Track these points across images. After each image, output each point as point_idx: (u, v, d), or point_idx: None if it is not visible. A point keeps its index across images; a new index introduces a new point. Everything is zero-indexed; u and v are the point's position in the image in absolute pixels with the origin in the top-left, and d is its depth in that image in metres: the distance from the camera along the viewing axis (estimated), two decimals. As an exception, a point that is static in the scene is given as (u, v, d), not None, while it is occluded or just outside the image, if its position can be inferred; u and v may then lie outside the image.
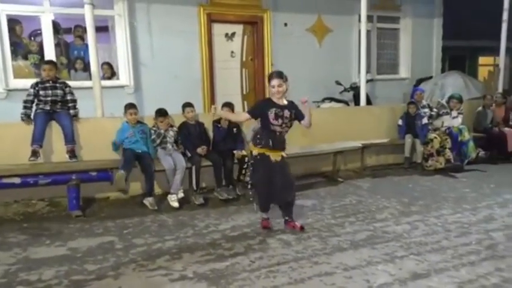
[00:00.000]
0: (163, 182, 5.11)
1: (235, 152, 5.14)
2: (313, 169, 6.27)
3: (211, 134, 5.37)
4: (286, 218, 4.04)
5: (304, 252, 3.45)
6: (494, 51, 14.80)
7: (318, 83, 8.26)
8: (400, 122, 6.70)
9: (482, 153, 6.87)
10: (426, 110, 6.76)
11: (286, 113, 3.83)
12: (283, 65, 7.93)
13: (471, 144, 6.65)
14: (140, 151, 4.84)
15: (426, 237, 3.74)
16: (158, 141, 4.96)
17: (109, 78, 7.01)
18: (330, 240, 3.70)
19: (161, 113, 5.03)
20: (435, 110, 6.82)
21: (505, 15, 8.19)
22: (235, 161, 5.16)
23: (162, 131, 4.98)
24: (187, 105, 5.19)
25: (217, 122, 5.23)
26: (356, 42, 8.79)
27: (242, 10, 7.72)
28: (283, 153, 3.96)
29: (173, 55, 7.14)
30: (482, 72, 15.28)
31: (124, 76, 6.98)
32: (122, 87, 6.93)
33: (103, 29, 6.97)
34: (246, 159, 4.99)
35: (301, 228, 3.95)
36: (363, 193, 5.30)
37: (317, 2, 8.22)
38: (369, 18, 8.45)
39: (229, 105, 5.22)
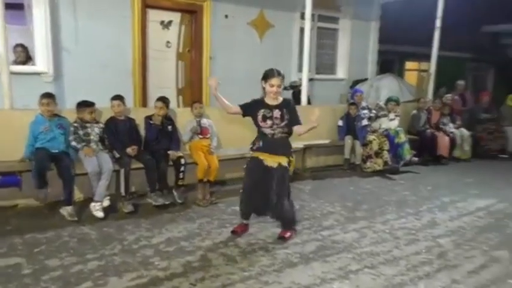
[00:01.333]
0: (85, 187, 4.44)
1: (169, 152, 4.62)
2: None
3: (142, 131, 4.79)
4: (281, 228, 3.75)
5: (251, 269, 3.07)
6: (419, 57, 15.64)
7: (258, 79, 7.86)
8: (340, 122, 6.60)
9: (414, 158, 6.97)
10: (366, 111, 6.72)
11: (277, 113, 3.46)
12: (222, 58, 7.54)
13: (407, 146, 6.73)
14: (57, 151, 4.13)
15: (377, 246, 3.56)
16: (74, 143, 4.25)
17: (23, 63, 6.07)
18: (278, 254, 3.36)
19: (87, 103, 4.36)
20: (373, 111, 6.81)
21: (438, 23, 8.47)
22: (170, 162, 4.63)
23: (88, 126, 4.32)
24: (116, 97, 4.56)
25: (149, 118, 4.67)
26: (297, 40, 8.64)
27: (180, -4, 7.14)
28: (283, 160, 3.52)
29: (101, 41, 6.35)
30: (409, 77, 16.04)
31: (42, 62, 6.08)
32: (38, 74, 6.02)
33: (17, 6, 6.01)
34: (182, 160, 4.58)
35: (281, 237, 3.65)
36: (306, 197, 5.06)
37: (259, -5, 7.89)
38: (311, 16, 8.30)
39: (164, 101, 4.68)
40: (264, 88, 3.54)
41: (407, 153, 6.67)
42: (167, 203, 4.48)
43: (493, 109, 8.55)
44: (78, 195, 4.50)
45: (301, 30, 8.68)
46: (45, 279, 2.87)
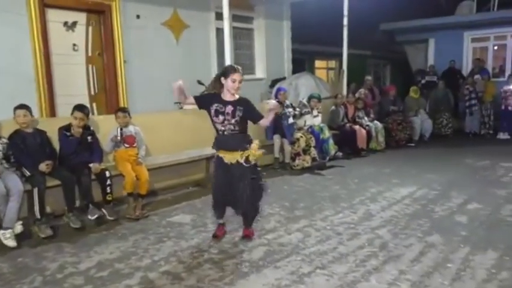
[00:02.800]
0: (-10, 213, 3.78)
1: (91, 165, 4.15)
2: (183, 177, 5.62)
3: (55, 144, 4.25)
4: (243, 225, 3.70)
5: (201, 286, 2.84)
6: (327, 55, 16.42)
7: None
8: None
9: (338, 153, 7.21)
10: (290, 109, 6.78)
11: (229, 108, 3.36)
12: (138, 62, 7.08)
13: (331, 141, 6.95)
14: (-50, 174, 3.46)
15: (323, 244, 3.54)
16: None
17: None
18: (226, 265, 3.16)
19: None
20: (298, 109, 6.90)
21: (345, 21, 8.89)
22: (93, 176, 4.17)
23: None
24: (21, 107, 3.98)
25: (65, 130, 4.14)
26: (214, 40, 8.47)
27: (84, -5, 6.53)
28: (239, 156, 3.42)
29: (-8, 45, 5.56)
30: (319, 75, 16.78)
31: None
32: None
33: None
34: (107, 173, 4.16)
35: (245, 237, 3.62)
36: (242, 200, 4.91)
37: (172, -6, 7.56)
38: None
39: (82, 110, 4.19)
40: (222, 85, 3.43)
41: (332, 148, 6.89)
42: (94, 218, 4.01)
43: (398, 101, 9.24)
44: (-20, 224, 3.82)
45: (218, 30, 8.58)
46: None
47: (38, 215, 3.75)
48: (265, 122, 3.54)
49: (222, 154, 3.49)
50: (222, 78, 3.44)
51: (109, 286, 2.86)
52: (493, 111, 9.68)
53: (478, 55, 12.16)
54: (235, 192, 3.48)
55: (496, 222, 4.00)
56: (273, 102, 3.51)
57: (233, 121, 3.40)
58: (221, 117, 3.40)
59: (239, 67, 3.47)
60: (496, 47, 12.27)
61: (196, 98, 3.56)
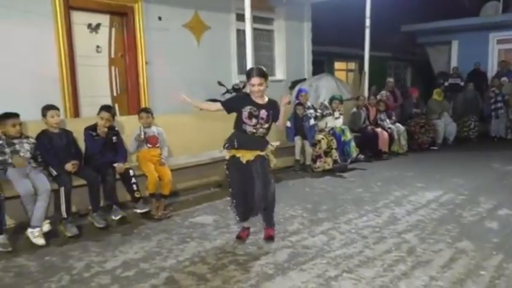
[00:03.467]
0: (17, 211, 3.85)
1: (115, 165, 4.18)
2: (204, 178, 5.62)
3: (81, 144, 4.29)
4: (265, 225, 3.67)
5: (227, 287, 2.81)
6: (346, 57, 16.28)
7: (198, 83, 7.61)
8: (289, 123, 6.52)
9: (360, 156, 7.12)
10: (312, 111, 6.72)
11: (263, 113, 3.39)
12: (159, 63, 7.13)
13: (352, 143, 6.85)
14: (-20, 172, 3.53)
15: (348, 247, 3.47)
16: (7, 156, 3.71)
17: None
18: (251, 267, 3.13)
19: (8, 115, 3.79)
20: (319, 111, 6.84)
21: (368, 22, 8.78)
22: (117, 176, 4.20)
23: (15, 143, 3.75)
24: (50, 107, 4.04)
25: (91, 130, 4.18)
26: (234, 42, 8.48)
27: (108, -2, 6.61)
28: (260, 152, 3.44)
29: (18, 45, 5.66)
30: (338, 76, 16.65)
31: None
32: None
33: None
34: (131, 172, 4.19)
35: (269, 237, 3.59)
36: (264, 202, 4.88)
37: (193, -4, 7.59)
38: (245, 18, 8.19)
39: (109, 110, 4.23)
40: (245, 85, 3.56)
41: (354, 151, 6.79)
42: (117, 218, 4.04)
43: (421, 104, 9.08)
44: (9, 221, 3.88)
45: (238, 31, 8.59)
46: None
47: (64, 214, 3.79)
48: (280, 122, 3.58)
49: (240, 154, 3.44)
50: (247, 83, 3.50)
51: (135, 286, 2.86)
52: None
53: (503, 57, 11.86)
54: (253, 189, 3.46)
55: (528, 229, 3.86)
56: (285, 96, 3.59)
57: (266, 125, 3.44)
58: (254, 120, 3.39)
59: (262, 69, 3.46)
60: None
61: (223, 104, 3.58)
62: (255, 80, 3.34)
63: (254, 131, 3.42)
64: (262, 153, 3.44)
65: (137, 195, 4.22)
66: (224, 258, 3.29)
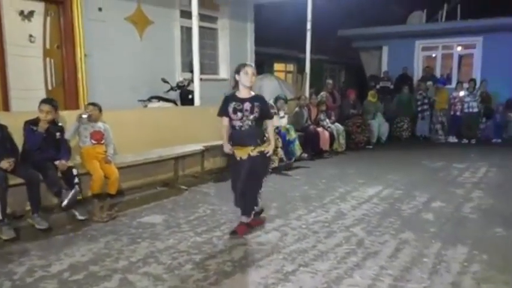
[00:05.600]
0: None
1: (57, 162, 3.92)
2: (150, 177, 5.45)
3: (17, 140, 3.96)
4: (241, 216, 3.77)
5: (186, 287, 2.75)
6: (285, 59, 16.66)
7: (141, 79, 7.39)
8: (235, 122, 6.52)
9: (304, 154, 7.32)
10: (257, 110, 6.79)
11: (247, 105, 3.51)
12: (99, 56, 6.79)
13: (297, 142, 7.03)
14: None
15: (301, 243, 3.56)
16: None
17: None
18: (208, 264, 3.10)
19: None
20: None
21: (309, 25, 9.06)
22: (59, 174, 3.93)
23: None
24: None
25: (32, 124, 3.86)
26: (178, 38, 8.34)
27: (42, -17, 6.17)
28: (253, 149, 3.57)
29: None
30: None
31: None
32: None
33: None
34: (74, 171, 3.96)
35: (236, 231, 3.68)
36: (214, 200, 4.86)
37: (135, -12, 7.33)
38: (190, 15, 8.07)
39: (50, 102, 3.96)
40: (237, 82, 3.65)
41: (298, 150, 6.97)
42: (69, 197, 3.83)
43: (358, 105, 9.56)
44: None
45: (183, 28, 8.44)
46: None
47: (-1, 216, 3.47)
48: (270, 129, 3.77)
49: (235, 150, 3.63)
50: (236, 76, 3.61)
51: (87, 290, 2.70)
52: (445, 117, 10.17)
53: (427, 63, 12.86)
54: (243, 183, 3.62)
55: (460, 219, 4.23)
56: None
57: (251, 117, 3.53)
58: (239, 114, 3.53)
59: (251, 63, 3.66)
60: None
61: (219, 115, 3.69)
62: (249, 69, 3.51)
63: (241, 124, 3.56)
64: (252, 153, 3.57)
65: (78, 197, 3.98)
66: (179, 258, 3.22)
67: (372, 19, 13.67)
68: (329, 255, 3.29)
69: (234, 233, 3.68)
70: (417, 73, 12.84)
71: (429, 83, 10.76)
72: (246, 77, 3.52)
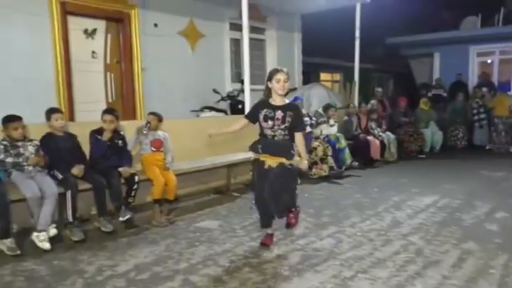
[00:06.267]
0: (21, 215, 3.76)
1: (121, 169, 4.15)
2: (203, 184, 5.62)
3: (85, 148, 4.24)
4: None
5: (245, 288, 2.82)
6: (331, 68, 16.54)
7: (192, 90, 7.66)
8: (285, 131, 6.58)
9: (354, 163, 7.23)
10: (306, 118, 6.81)
11: (279, 114, 3.34)
12: (155, 70, 7.12)
13: (347, 151, 6.97)
14: (-16, 175, 3.45)
15: (357, 249, 3.53)
16: (10, 159, 3.64)
17: None
18: (266, 269, 3.15)
19: (14, 117, 3.73)
20: (314, 118, 6.94)
21: (357, 33, 9.01)
22: (122, 180, 4.16)
23: (19, 145, 3.69)
24: (55, 110, 4.01)
25: (97, 133, 4.14)
26: (228, 50, 8.56)
27: (104, 3, 6.58)
28: (284, 160, 3.37)
29: (13, 51, 5.58)
30: (324, 87, 16.87)
31: None
32: None
33: None
34: (136, 178, 4.16)
35: (289, 223, 3.62)
36: (266, 207, 4.90)
37: (188, 4, 7.62)
38: (239, 27, 8.28)
39: (111, 112, 4.22)
40: (270, 89, 3.43)
41: (348, 158, 6.90)
42: (126, 218, 4.05)
43: (409, 113, 9.31)
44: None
45: (231, 40, 8.68)
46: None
47: (70, 218, 3.73)
48: (299, 143, 3.49)
49: (263, 158, 3.42)
50: (268, 83, 3.45)
51: (152, 288, 2.83)
52: (507, 125, 9.48)
53: (483, 69, 12.32)
54: (271, 195, 3.39)
55: (526, 230, 4.01)
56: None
57: (283, 126, 3.36)
58: (270, 123, 3.37)
59: (283, 68, 3.47)
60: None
61: (246, 116, 3.65)
62: (281, 75, 3.34)
63: (272, 133, 3.40)
64: (287, 162, 3.37)
65: (131, 200, 4.18)
66: (237, 261, 3.29)
67: (421, 26, 13.33)
68: (387, 263, 3.24)
69: (288, 226, 3.65)
70: (472, 80, 12.33)
71: (485, 89, 10.29)
72: (278, 85, 3.35)
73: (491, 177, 6.59)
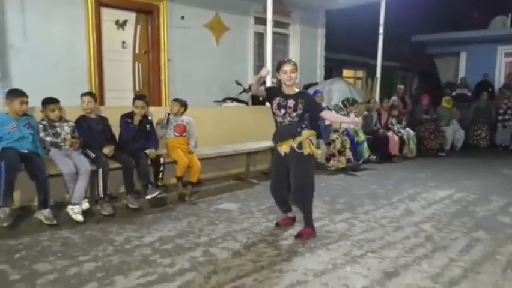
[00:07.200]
0: (57, 190, 4.07)
1: (148, 151, 4.42)
2: (224, 171, 5.86)
3: (114, 131, 4.54)
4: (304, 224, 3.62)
5: (261, 260, 3.03)
6: (354, 65, 16.49)
7: (216, 81, 7.91)
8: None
9: (372, 157, 7.33)
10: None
11: (291, 102, 3.47)
12: (180, 61, 7.40)
13: (365, 145, 7.09)
14: (26, 151, 3.77)
15: (369, 233, 3.69)
16: (49, 138, 3.95)
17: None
18: (281, 245, 3.36)
19: (52, 100, 4.04)
20: (333, 111, 7.06)
21: (381, 29, 9.07)
22: (149, 162, 4.43)
23: (57, 126, 4.00)
24: (86, 94, 4.32)
25: (127, 117, 4.42)
26: (252, 43, 8.77)
27: (135, -4, 6.90)
28: (292, 142, 3.47)
29: (53, 39, 5.97)
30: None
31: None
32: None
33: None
34: (162, 159, 4.42)
35: (299, 234, 3.54)
36: (283, 194, 5.10)
37: (214, -2, 7.88)
38: (263, 21, 8.47)
39: (143, 98, 4.51)
40: (279, 80, 3.57)
41: (366, 152, 7.02)
42: (153, 195, 4.31)
43: (431, 111, 9.30)
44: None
45: (255, 34, 8.88)
46: (42, 283, 2.59)
47: (101, 194, 4.02)
48: (333, 118, 3.92)
49: (279, 147, 3.54)
50: (277, 74, 3.55)
51: (176, 257, 3.07)
52: None
53: (510, 69, 12.13)
54: (287, 181, 3.56)
55: (539, 223, 4.08)
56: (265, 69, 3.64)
57: (294, 114, 3.47)
58: (283, 111, 3.48)
59: (291, 59, 3.60)
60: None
61: (267, 89, 3.73)
62: (288, 66, 3.43)
63: (282, 120, 3.53)
64: (296, 143, 3.45)
65: (160, 182, 4.44)
66: (253, 238, 3.51)
67: (448, 24, 13.20)
68: (397, 245, 3.39)
69: (298, 236, 3.51)
70: (499, 80, 12.15)
71: (508, 93, 10.16)
72: (285, 76, 3.43)
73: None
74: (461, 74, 12.87)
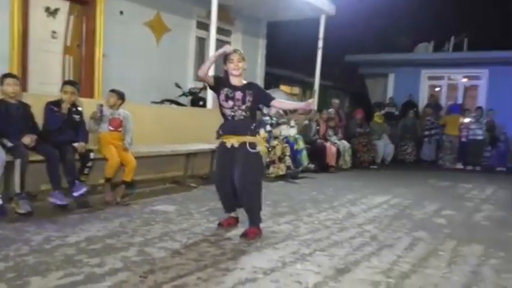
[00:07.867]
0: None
1: (76, 144, 3.96)
2: (160, 173, 5.49)
3: (38, 120, 4.02)
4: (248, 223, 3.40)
5: (203, 259, 2.76)
6: (291, 81, 16.84)
7: (154, 82, 7.54)
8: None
9: (310, 165, 7.36)
10: (267, 118, 6.89)
11: (238, 94, 3.27)
12: (117, 58, 6.94)
13: (304, 152, 7.10)
14: None
15: (315, 233, 3.57)
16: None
17: None
18: (224, 244, 3.10)
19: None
20: (274, 119, 7.02)
21: (320, 43, 9.31)
22: (77, 156, 3.97)
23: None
24: (8, 75, 3.79)
25: (53, 104, 3.94)
26: (193, 47, 8.54)
27: (69, -17, 6.39)
28: (247, 139, 3.26)
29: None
30: (283, 99, 17.14)
31: None
32: None
33: None
34: (91, 155, 4.00)
35: (244, 234, 3.30)
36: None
37: (156, -4, 7.57)
38: (205, 26, 8.32)
39: (73, 84, 4.06)
40: (226, 72, 3.39)
41: (305, 160, 7.02)
42: (81, 192, 3.85)
43: (365, 125, 9.66)
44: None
45: (197, 38, 8.67)
46: None
47: (18, 189, 3.49)
48: (282, 105, 3.68)
49: (225, 139, 3.35)
50: (224, 66, 3.39)
51: (105, 257, 2.70)
52: (453, 144, 10.09)
53: (432, 92, 13.10)
54: (232, 175, 3.34)
55: (472, 224, 4.25)
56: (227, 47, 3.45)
57: (243, 107, 3.30)
58: (230, 103, 3.30)
59: (237, 49, 3.45)
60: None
61: (215, 77, 3.48)
62: (235, 56, 3.29)
63: (232, 113, 3.33)
64: (249, 140, 3.28)
65: (83, 178, 3.98)
66: (194, 238, 3.23)
67: (379, 47, 13.99)
68: (344, 244, 3.30)
69: (244, 235, 3.28)
70: (422, 101, 13.02)
71: (430, 110, 10.95)
72: (232, 65, 3.29)
73: (438, 185, 6.95)
74: (390, 94, 13.62)
